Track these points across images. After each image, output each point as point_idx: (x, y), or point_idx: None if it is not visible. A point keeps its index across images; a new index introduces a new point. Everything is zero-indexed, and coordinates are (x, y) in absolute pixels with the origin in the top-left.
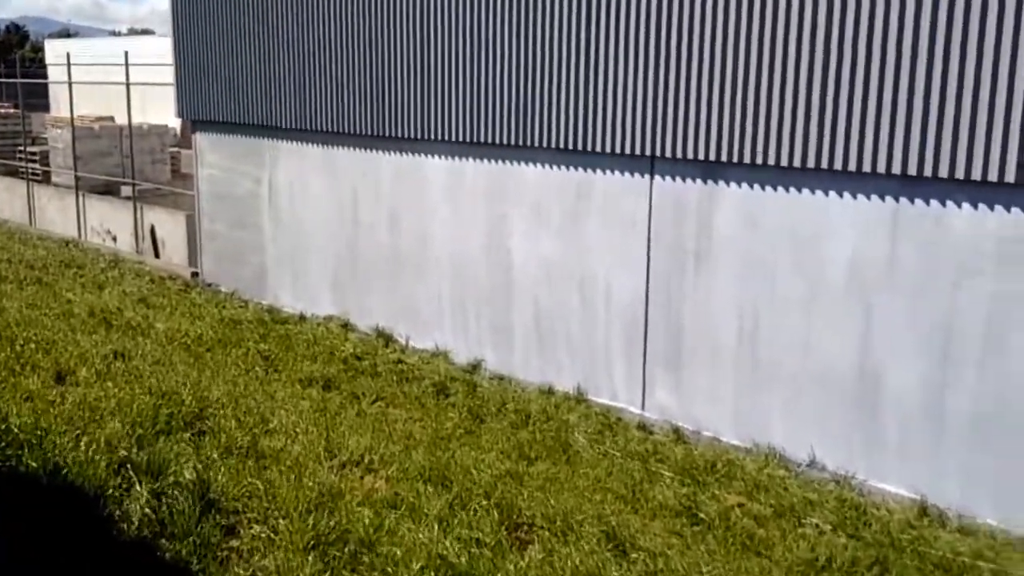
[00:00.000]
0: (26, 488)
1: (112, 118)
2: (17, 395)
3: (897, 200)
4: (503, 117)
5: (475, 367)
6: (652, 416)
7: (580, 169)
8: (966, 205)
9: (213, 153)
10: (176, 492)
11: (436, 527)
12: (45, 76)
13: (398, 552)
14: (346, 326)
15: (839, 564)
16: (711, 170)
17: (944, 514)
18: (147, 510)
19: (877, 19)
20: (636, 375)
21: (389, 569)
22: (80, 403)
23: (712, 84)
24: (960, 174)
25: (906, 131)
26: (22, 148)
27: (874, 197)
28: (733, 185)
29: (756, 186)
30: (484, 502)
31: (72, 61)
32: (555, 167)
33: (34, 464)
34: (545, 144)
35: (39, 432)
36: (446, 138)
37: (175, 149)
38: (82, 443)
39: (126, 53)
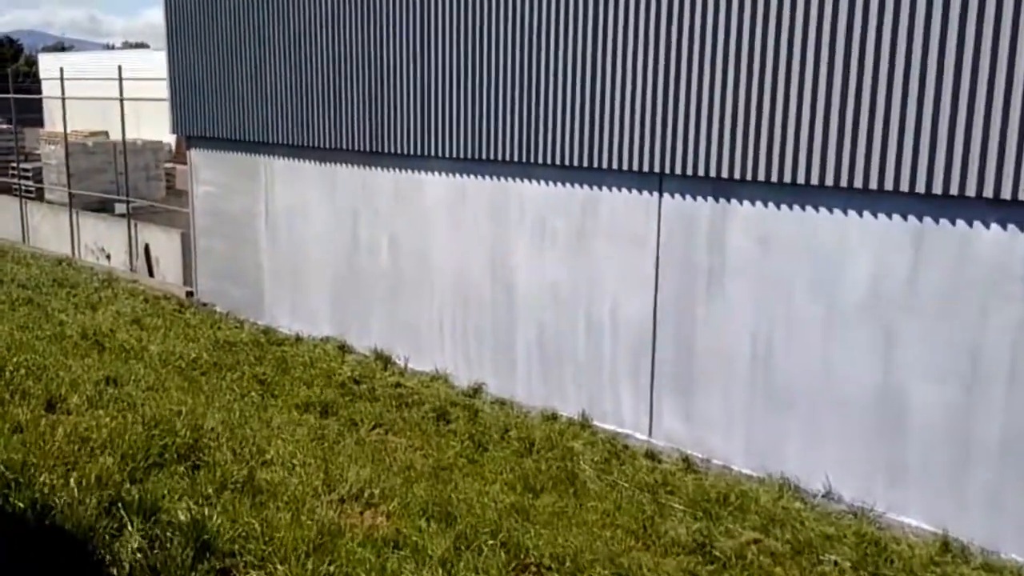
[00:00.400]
0: (12, 529)
1: (106, 133)
2: (6, 427)
3: (921, 220)
4: (506, 133)
5: (476, 391)
6: (660, 443)
7: (586, 186)
8: (995, 226)
9: (209, 170)
10: (169, 534)
11: (440, 571)
12: (39, 91)
13: None
14: (343, 347)
15: None
16: (723, 187)
17: (967, 548)
18: (139, 555)
19: (901, 28)
20: (643, 400)
21: None
22: (71, 434)
23: (724, 99)
24: (989, 192)
25: (931, 148)
26: (15, 164)
27: (896, 216)
28: (746, 203)
29: (770, 204)
30: (490, 541)
31: (65, 76)
32: (560, 184)
33: (21, 504)
34: (549, 161)
35: (28, 469)
36: (447, 155)
37: (170, 165)
38: (71, 480)
39: (119, 68)
